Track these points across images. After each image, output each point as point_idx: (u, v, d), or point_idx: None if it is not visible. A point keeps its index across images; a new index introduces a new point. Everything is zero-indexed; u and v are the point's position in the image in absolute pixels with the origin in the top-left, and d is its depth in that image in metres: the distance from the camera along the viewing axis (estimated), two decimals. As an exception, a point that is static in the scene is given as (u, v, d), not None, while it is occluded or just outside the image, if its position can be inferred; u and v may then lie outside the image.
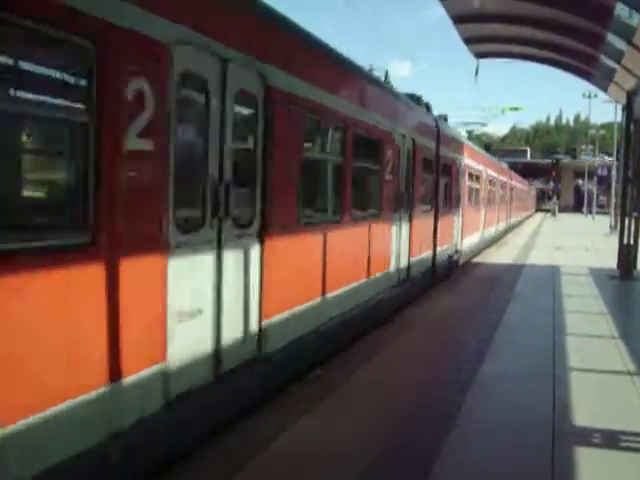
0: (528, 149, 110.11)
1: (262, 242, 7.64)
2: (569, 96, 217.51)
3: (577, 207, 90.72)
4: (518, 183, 56.87)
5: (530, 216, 78.17)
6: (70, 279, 4.76)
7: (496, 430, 6.87)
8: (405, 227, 14.74)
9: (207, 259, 6.62)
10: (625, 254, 20.07)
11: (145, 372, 5.59)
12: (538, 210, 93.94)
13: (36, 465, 4.43)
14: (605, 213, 65.87)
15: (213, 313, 6.72)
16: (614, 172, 51.47)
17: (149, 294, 5.72)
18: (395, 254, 14.01)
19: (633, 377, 8.96)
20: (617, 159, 48.00)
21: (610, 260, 21.60)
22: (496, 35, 19.62)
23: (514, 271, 20.74)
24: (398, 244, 14.18)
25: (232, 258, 7.05)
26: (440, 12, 16.05)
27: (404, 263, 14.85)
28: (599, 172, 72.20)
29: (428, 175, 17.24)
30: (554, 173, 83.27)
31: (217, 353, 6.79)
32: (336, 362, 9.75)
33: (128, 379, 5.37)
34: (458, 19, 16.81)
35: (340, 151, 10.62)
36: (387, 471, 5.84)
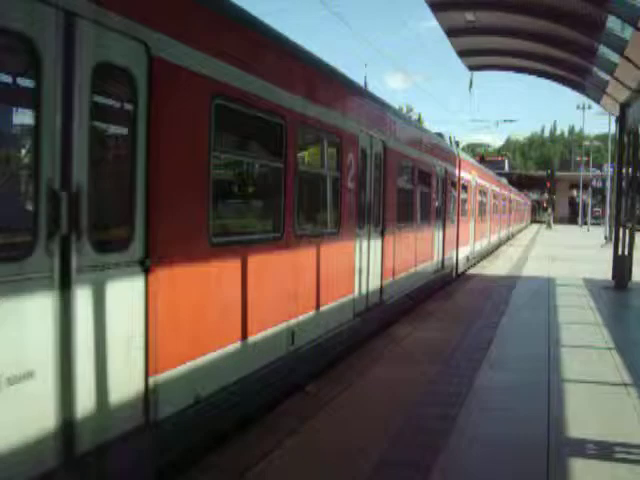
0: (505, 159, 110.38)
1: (382, 237, 13.23)
2: (563, 108, 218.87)
3: (572, 218, 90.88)
4: (515, 196, 58.85)
5: (526, 227, 78.40)
6: (333, 245, 10.61)
7: (491, 442, 6.87)
8: (441, 232, 20.35)
9: (365, 243, 12.08)
10: (619, 265, 20.14)
11: (347, 296, 11.22)
12: (533, 221, 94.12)
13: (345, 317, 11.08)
14: (600, 224, 66.00)
15: (365, 271, 12.09)
16: (609, 183, 51.56)
17: (351, 256, 11.40)
18: (436, 251, 19.66)
19: (628, 388, 8.97)
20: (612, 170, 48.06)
21: (605, 271, 21.68)
22: (489, 48, 19.72)
23: (510, 282, 20.85)
24: (437, 244, 19.82)
25: (372, 243, 12.57)
26: (434, 24, 16.12)
27: (440, 258, 20.32)
28: (594, 183, 72.49)
29: (453, 193, 22.75)
30: (549, 184, 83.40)
31: (367, 295, 12.25)
32: (332, 375, 9.76)
33: (345, 297, 11.11)
34: (452, 32, 16.88)
35: (412, 181, 16.33)
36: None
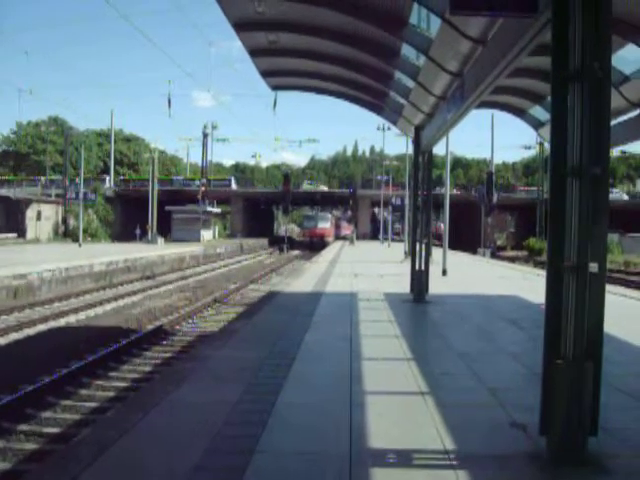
0: (232, 178, 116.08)
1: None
2: (365, 129, 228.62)
3: (374, 235, 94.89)
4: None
5: (330, 243, 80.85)
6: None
7: (294, 460, 6.89)
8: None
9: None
10: (417, 279, 21.16)
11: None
12: (337, 238, 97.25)
13: None
14: (401, 240, 69.30)
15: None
16: (407, 201, 54.26)
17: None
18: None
19: (425, 396, 9.38)
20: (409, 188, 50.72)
21: (405, 285, 22.71)
22: (293, 69, 20.08)
23: (313, 299, 21.16)
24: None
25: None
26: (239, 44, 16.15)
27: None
28: (393, 201, 75.94)
29: None
30: (351, 202, 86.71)
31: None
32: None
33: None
34: (255, 52, 17.00)
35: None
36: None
